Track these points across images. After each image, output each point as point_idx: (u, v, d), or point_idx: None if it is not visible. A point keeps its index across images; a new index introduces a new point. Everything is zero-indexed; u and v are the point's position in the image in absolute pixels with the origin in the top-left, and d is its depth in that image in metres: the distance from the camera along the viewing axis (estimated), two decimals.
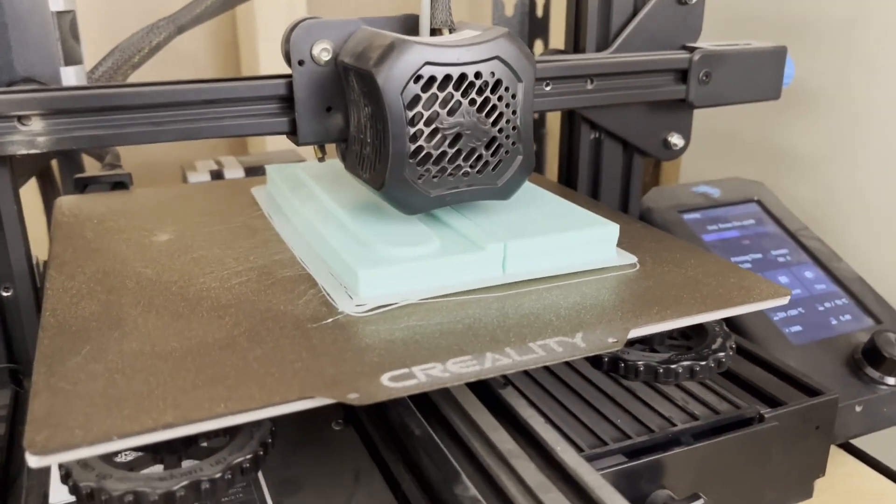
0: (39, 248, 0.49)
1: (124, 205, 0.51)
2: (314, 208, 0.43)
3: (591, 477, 0.29)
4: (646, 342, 0.39)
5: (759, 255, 0.60)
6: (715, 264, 0.40)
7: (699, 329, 0.39)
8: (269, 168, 0.51)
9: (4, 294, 0.41)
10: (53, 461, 0.24)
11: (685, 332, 0.40)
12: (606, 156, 0.57)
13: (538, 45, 0.90)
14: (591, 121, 0.55)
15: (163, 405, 0.26)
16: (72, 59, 0.43)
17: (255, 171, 0.66)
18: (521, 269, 0.37)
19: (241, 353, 0.30)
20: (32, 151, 0.36)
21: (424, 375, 0.28)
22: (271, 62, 0.80)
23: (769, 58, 0.55)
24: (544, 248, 0.38)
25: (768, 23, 0.73)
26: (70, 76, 0.43)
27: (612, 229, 0.40)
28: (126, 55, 0.52)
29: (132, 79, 0.53)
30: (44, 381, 0.27)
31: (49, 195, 0.59)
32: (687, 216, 0.61)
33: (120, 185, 0.58)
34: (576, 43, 0.54)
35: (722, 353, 0.37)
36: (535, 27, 0.90)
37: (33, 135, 0.36)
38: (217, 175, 0.66)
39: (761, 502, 0.43)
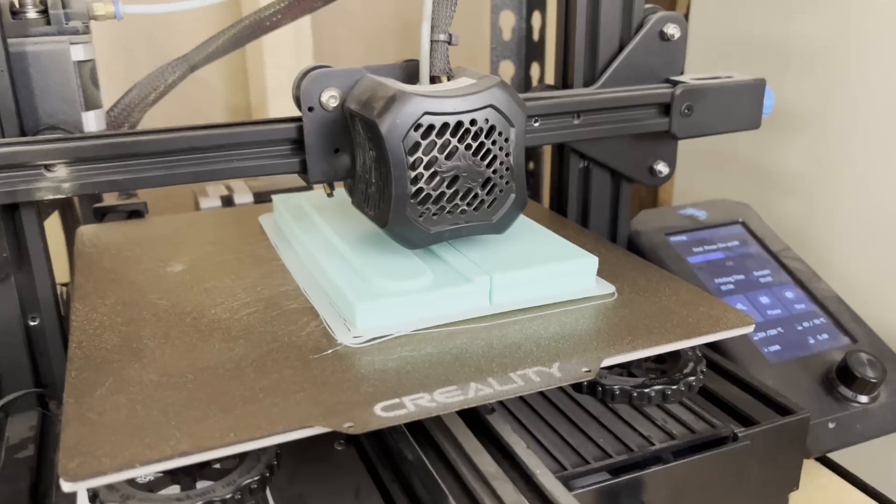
0: (60, 272, 0.52)
1: (140, 234, 0.54)
2: (317, 239, 0.46)
3: (566, 499, 0.32)
4: (623, 366, 0.42)
5: (741, 277, 0.62)
6: (688, 292, 0.43)
7: (673, 353, 0.42)
8: (275, 198, 0.54)
9: (32, 323, 0.45)
10: (84, 486, 0.27)
11: (660, 357, 0.43)
12: (595, 183, 0.60)
13: (535, 68, 0.93)
14: (579, 151, 0.58)
15: (179, 434, 0.29)
16: (92, 104, 0.46)
17: (264, 196, 0.69)
18: (507, 299, 0.41)
19: (249, 383, 0.33)
20: (58, 196, 0.40)
21: (413, 405, 0.32)
22: (279, 87, 0.84)
23: (749, 90, 0.58)
24: (528, 280, 0.41)
25: (753, 49, 0.76)
26: (91, 121, 0.46)
27: (591, 261, 0.43)
28: (143, 93, 0.55)
29: (153, 111, 0.57)
30: (73, 412, 0.31)
31: (69, 222, 0.62)
32: (673, 239, 0.64)
33: (136, 213, 0.62)
34: (564, 77, 0.57)
35: (692, 378, 0.40)
36: (531, 51, 0.93)
37: (59, 181, 0.39)
38: (227, 200, 0.69)
39: None
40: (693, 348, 0.43)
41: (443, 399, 0.32)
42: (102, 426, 0.30)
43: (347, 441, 0.42)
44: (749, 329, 0.40)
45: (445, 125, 0.38)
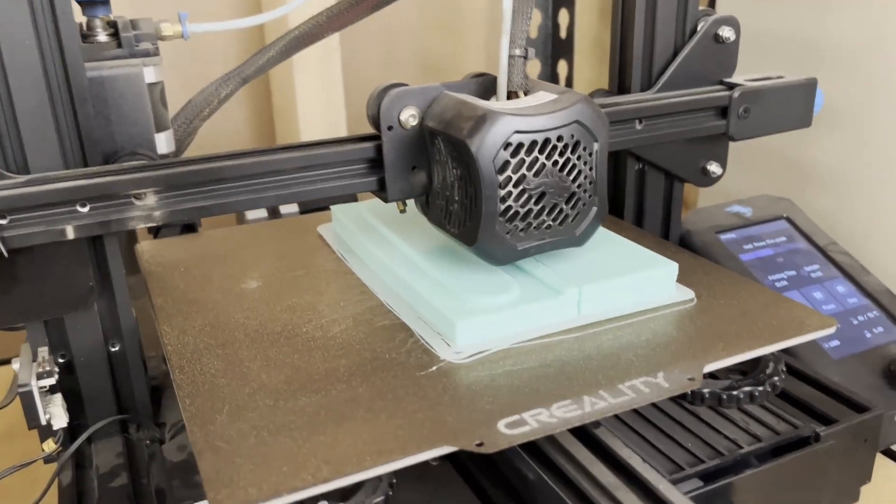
0: None
1: (201, 249, 0.54)
2: (391, 253, 0.47)
3: None
4: None
5: (793, 272, 0.63)
6: (765, 295, 0.43)
7: None
8: (334, 208, 0.55)
9: (113, 349, 0.45)
10: None
11: None
12: (650, 185, 0.60)
13: (562, 66, 0.94)
14: (635, 154, 0.58)
15: (315, 461, 0.30)
16: (162, 125, 0.46)
17: (309, 206, 0.69)
18: (594, 310, 0.41)
19: (367, 405, 0.34)
20: (150, 225, 0.40)
21: (535, 422, 0.32)
22: (305, 92, 0.84)
23: (801, 90, 0.58)
24: (614, 290, 0.41)
25: (782, 45, 0.76)
26: (162, 142, 0.46)
27: (671, 268, 0.43)
28: (198, 108, 0.55)
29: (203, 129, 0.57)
30: (202, 442, 0.31)
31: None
32: (724, 237, 0.65)
33: (189, 227, 0.62)
34: (621, 82, 0.57)
35: (776, 378, 0.41)
36: (558, 48, 0.94)
37: (149, 209, 0.39)
38: (273, 211, 0.69)
39: None
40: None
41: (561, 414, 0.33)
42: (236, 455, 0.30)
43: (443, 458, 0.42)
44: (831, 330, 0.41)
45: (534, 143, 0.38)
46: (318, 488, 0.28)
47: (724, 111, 0.55)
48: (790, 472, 0.43)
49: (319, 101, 0.85)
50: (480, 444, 0.31)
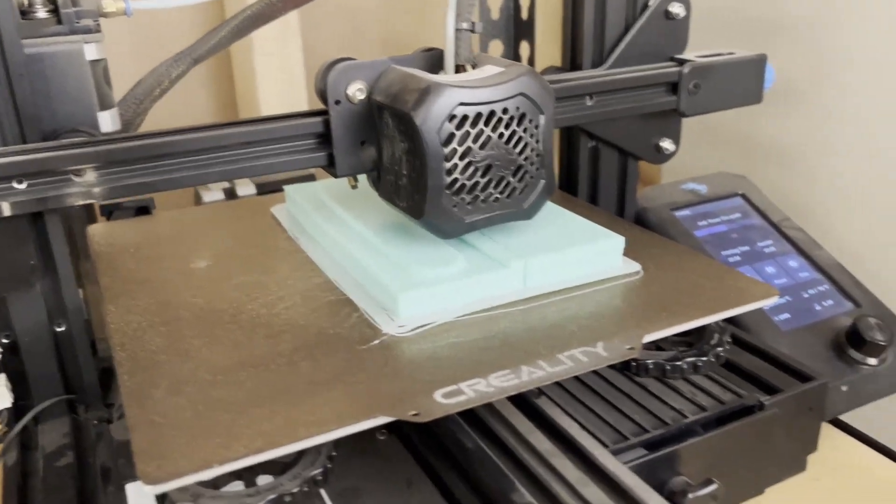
0: None
1: (154, 231, 0.54)
2: (342, 230, 0.47)
3: (630, 478, 0.32)
4: (652, 342, 0.43)
5: (746, 248, 0.64)
6: (710, 267, 0.44)
7: (699, 327, 0.43)
8: (287, 188, 0.54)
9: (58, 329, 0.44)
10: (165, 488, 0.27)
11: (686, 330, 0.44)
12: (603, 162, 0.60)
13: (524, 47, 0.94)
14: (588, 131, 0.58)
15: (249, 432, 0.30)
16: (106, 103, 0.46)
17: (267, 187, 0.69)
18: (540, 282, 0.41)
19: (306, 378, 0.34)
20: (89, 202, 0.39)
21: (472, 391, 0.32)
22: (266, 73, 0.83)
23: (751, 66, 0.59)
24: (560, 262, 0.42)
25: (749, 24, 0.77)
26: (106, 120, 0.46)
27: (618, 241, 0.43)
28: (149, 88, 0.54)
29: (153, 110, 0.56)
30: (138, 416, 0.31)
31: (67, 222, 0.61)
32: (679, 213, 0.65)
33: (143, 209, 0.61)
34: (573, 59, 0.57)
35: (720, 349, 0.42)
36: (520, 29, 0.93)
37: (88, 186, 0.39)
38: (230, 193, 0.69)
39: (762, 480, 0.48)
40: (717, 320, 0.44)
41: (499, 383, 0.33)
42: (170, 428, 0.30)
43: (389, 431, 0.42)
44: (774, 300, 0.41)
45: (479, 115, 0.38)
46: (251, 459, 0.28)
47: (674, 87, 0.56)
48: (734, 441, 0.44)
49: (280, 81, 0.85)
50: (416, 414, 0.31)
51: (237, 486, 0.33)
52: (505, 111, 0.39)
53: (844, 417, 0.57)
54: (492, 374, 0.33)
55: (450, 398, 0.32)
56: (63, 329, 0.45)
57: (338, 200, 0.50)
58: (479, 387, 0.32)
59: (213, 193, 0.69)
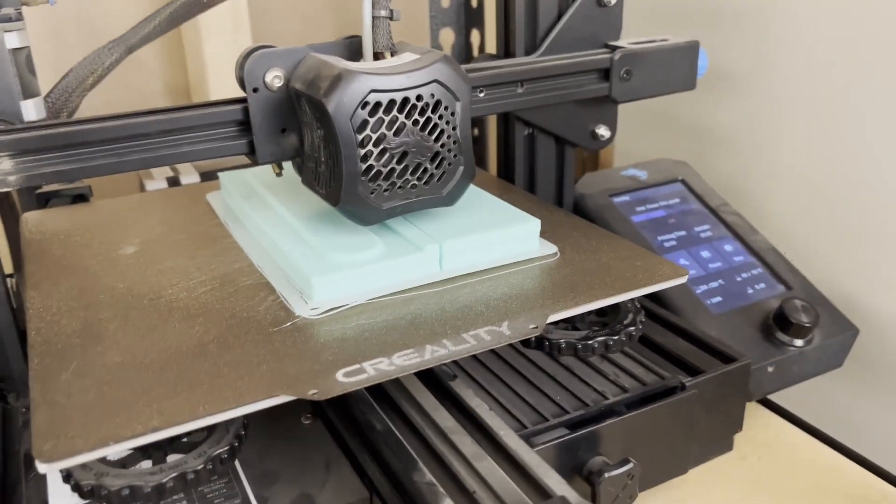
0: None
1: (88, 218, 0.54)
2: (268, 216, 0.47)
3: (530, 456, 0.33)
4: (569, 322, 0.44)
5: (683, 233, 0.65)
6: (625, 249, 0.45)
7: (614, 307, 0.44)
8: (222, 176, 0.55)
9: None
10: (58, 467, 0.28)
11: (602, 311, 0.45)
12: (540, 150, 0.61)
13: (475, 35, 0.94)
14: (523, 119, 0.59)
15: (149, 411, 0.30)
16: (30, 92, 0.46)
17: (211, 175, 0.69)
18: (456, 265, 0.42)
19: (213, 359, 0.34)
20: (4, 190, 0.39)
21: (373, 370, 0.33)
22: (218, 65, 0.83)
23: (684, 52, 0.60)
24: (476, 245, 0.42)
25: (687, 12, 0.78)
26: (30, 109, 0.46)
27: (534, 224, 0.44)
28: (80, 78, 0.54)
29: (90, 94, 0.56)
30: (40, 398, 0.31)
31: (6, 210, 0.61)
32: (617, 199, 0.66)
33: (81, 197, 0.61)
34: (506, 46, 0.58)
35: (632, 328, 0.43)
36: (470, 18, 0.94)
37: (4, 174, 0.39)
38: (174, 182, 0.69)
39: (687, 459, 0.49)
40: (633, 301, 0.45)
41: (401, 362, 0.34)
42: (72, 409, 0.31)
43: (314, 415, 0.43)
44: (683, 280, 0.42)
45: (392, 102, 0.39)
46: (147, 437, 0.29)
47: (606, 74, 0.57)
48: (655, 421, 0.45)
49: (230, 69, 0.85)
50: (315, 393, 0.31)
51: (146, 465, 0.33)
52: (419, 98, 0.39)
53: (778, 399, 0.58)
54: (395, 353, 0.34)
55: (350, 377, 0.32)
56: None
57: (268, 188, 0.51)
58: (381, 366, 0.33)
59: (157, 182, 0.69)
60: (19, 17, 0.45)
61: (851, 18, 0.64)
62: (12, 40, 0.44)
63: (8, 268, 0.61)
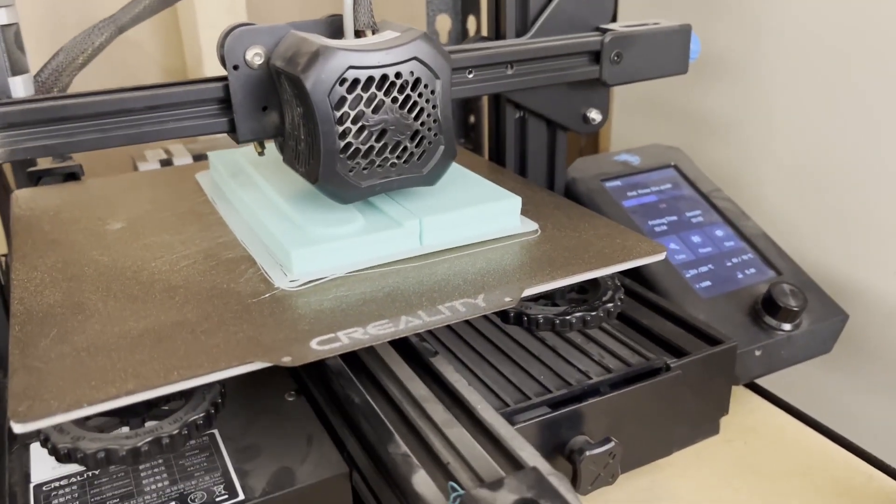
0: None
1: (78, 196, 0.54)
2: (253, 193, 0.47)
3: (505, 430, 0.34)
4: (549, 297, 0.44)
5: (674, 218, 0.65)
6: (605, 227, 0.45)
7: (594, 284, 0.44)
8: (211, 155, 0.55)
9: None
10: (34, 427, 0.28)
11: (583, 287, 0.45)
12: (531, 133, 0.61)
13: (471, 21, 0.94)
14: (514, 102, 0.59)
15: (124, 376, 0.31)
16: (18, 68, 0.46)
17: (203, 158, 0.69)
18: (436, 241, 0.42)
19: (191, 327, 0.34)
20: None
21: (347, 338, 0.33)
22: (213, 47, 0.83)
23: (676, 36, 0.60)
24: (455, 222, 0.43)
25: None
26: (18, 86, 0.46)
27: (514, 202, 0.44)
28: (70, 57, 0.54)
29: (87, 77, 0.56)
30: (19, 362, 0.32)
31: (0, 193, 0.62)
32: (608, 184, 0.66)
33: (72, 175, 0.62)
34: (497, 28, 0.58)
35: (611, 304, 0.43)
36: (467, 4, 0.94)
37: None
38: (167, 164, 0.69)
39: (672, 441, 0.49)
40: (612, 278, 0.45)
41: (375, 331, 0.34)
42: (49, 373, 0.31)
43: (297, 392, 0.43)
44: (660, 257, 0.42)
45: (370, 79, 0.39)
46: (121, 401, 0.29)
47: (596, 56, 0.57)
48: (638, 401, 0.45)
49: None
50: (290, 360, 0.32)
51: (123, 430, 0.34)
52: (398, 75, 0.39)
53: (767, 384, 0.58)
54: (371, 323, 0.34)
55: (324, 345, 0.33)
56: None
57: (256, 167, 0.51)
58: (355, 335, 0.33)
59: (150, 164, 0.70)
60: None
61: (845, 5, 0.64)
62: (0, 16, 0.44)
63: (2, 248, 0.62)
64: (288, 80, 0.40)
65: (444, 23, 0.90)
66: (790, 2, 0.68)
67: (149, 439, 0.32)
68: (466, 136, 0.78)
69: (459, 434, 0.34)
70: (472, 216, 0.43)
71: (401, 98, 0.40)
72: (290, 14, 0.93)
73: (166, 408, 0.35)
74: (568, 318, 0.41)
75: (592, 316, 0.41)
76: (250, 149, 0.54)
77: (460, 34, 0.94)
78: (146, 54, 0.89)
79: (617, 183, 0.67)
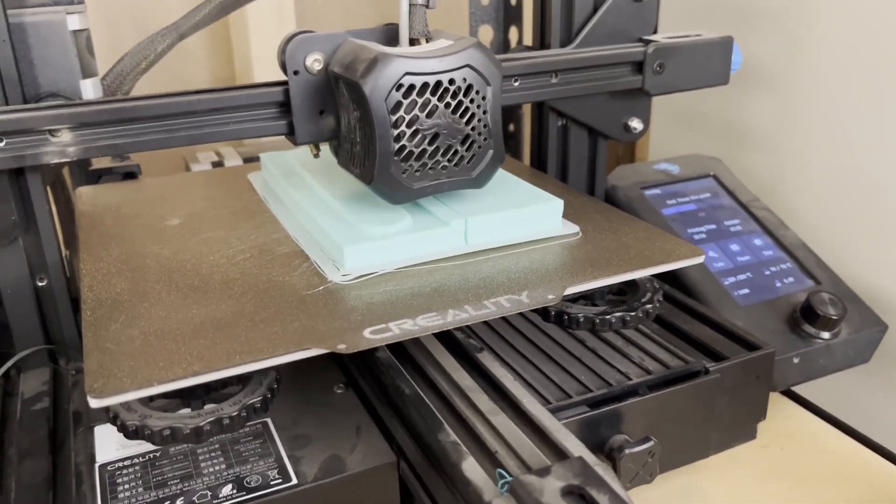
0: None
1: (136, 193, 0.57)
2: (305, 193, 0.49)
3: (550, 421, 0.35)
4: (588, 298, 0.45)
5: (713, 226, 0.66)
6: (644, 230, 0.46)
7: (633, 286, 0.45)
8: (263, 156, 0.57)
9: (40, 284, 0.48)
10: (108, 402, 0.30)
11: (621, 290, 0.46)
12: (573, 141, 0.63)
13: (513, 32, 0.96)
14: (557, 110, 0.61)
15: (190, 358, 0.33)
16: (88, 72, 0.49)
17: (253, 160, 0.72)
18: (481, 240, 0.44)
19: (250, 316, 0.36)
20: (63, 160, 0.42)
21: (398, 329, 0.35)
22: (263, 56, 0.86)
23: (717, 47, 0.61)
24: (500, 223, 0.44)
25: (723, 11, 0.78)
26: (88, 88, 0.48)
27: (557, 204, 0.46)
28: (134, 62, 0.57)
29: (141, 82, 0.59)
30: (93, 343, 0.34)
31: (58, 192, 0.64)
32: (648, 192, 0.67)
33: (130, 174, 0.64)
34: (542, 39, 0.60)
35: (649, 305, 0.44)
36: (509, 15, 0.96)
37: (63, 145, 0.42)
38: (218, 165, 0.72)
39: (709, 444, 0.50)
40: (651, 280, 0.46)
41: (424, 323, 0.35)
42: (120, 354, 0.33)
43: (346, 385, 0.45)
44: (699, 260, 0.43)
45: (426, 85, 0.41)
46: (188, 381, 0.31)
47: (639, 66, 0.58)
48: (677, 403, 0.46)
49: (275, 61, 0.88)
50: (344, 347, 0.33)
51: (185, 411, 0.36)
52: (451, 82, 0.41)
53: (804, 392, 0.59)
54: (419, 315, 0.36)
55: (376, 334, 0.34)
56: (44, 284, 0.48)
57: (307, 168, 0.53)
58: (405, 326, 0.35)
59: (202, 166, 0.72)
60: (81, 0, 0.47)
61: (881, 17, 0.64)
62: (73, 22, 0.47)
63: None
64: (346, 85, 0.42)
65: (486, 33, 0.92)
66: (826, 15, 0.68)
67: (211, 419, 0.34)
68: (506, 143, 0.79)
69: (506, 424, 0.35)
70: (515, 218, 0.44)
71: (453, 103, 0.42)
72: (335, 20, 0.96)
73: (223, 391, 0.37)
74: (608, 317, 0.42)
75: (632, 316, 0.42)
76: (300, 151, 0.56)
77: (502, 45, 0.96)
78: (197, 60, 0.92)
79: (656, 191, 0.68)
